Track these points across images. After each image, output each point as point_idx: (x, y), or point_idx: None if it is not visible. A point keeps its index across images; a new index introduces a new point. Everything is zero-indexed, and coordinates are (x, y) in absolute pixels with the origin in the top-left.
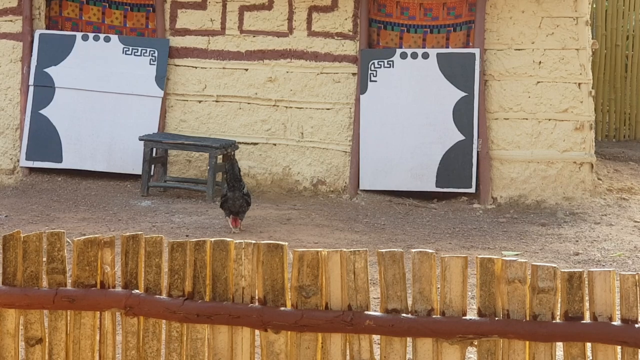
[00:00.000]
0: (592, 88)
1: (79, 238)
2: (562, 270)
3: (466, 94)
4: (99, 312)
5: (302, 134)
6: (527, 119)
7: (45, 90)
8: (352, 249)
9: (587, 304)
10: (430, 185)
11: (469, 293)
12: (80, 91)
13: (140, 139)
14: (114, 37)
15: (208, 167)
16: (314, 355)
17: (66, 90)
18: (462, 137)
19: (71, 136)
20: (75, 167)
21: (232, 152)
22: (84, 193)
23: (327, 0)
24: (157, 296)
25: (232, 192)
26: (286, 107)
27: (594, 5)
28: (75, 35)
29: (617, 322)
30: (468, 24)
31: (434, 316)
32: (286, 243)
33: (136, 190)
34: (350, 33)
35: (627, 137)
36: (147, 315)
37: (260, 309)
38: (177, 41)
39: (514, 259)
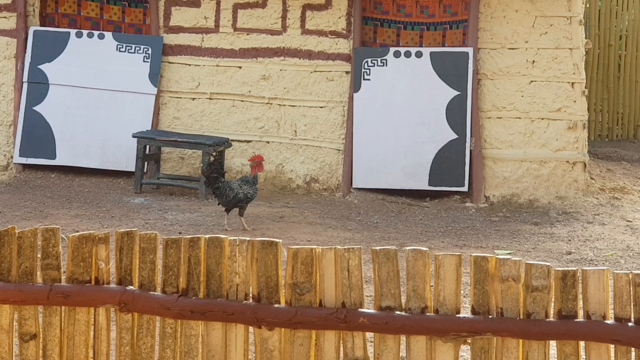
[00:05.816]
0: (585, 87)
1: (73, 234)
2: (556, 268)
3: (459, 92)
4: (93, 308)
5: (295, 132)
6: (520, 118)
7: (39, 87)
8: (346, 247)
9: (580, 303)
10: (423, 184)
11: (462, 291)
12: (74, 88)
13: (134, 136)
14: (108, 34)
15: (201, 165)
16: (307, 353)
17: (60, 87)
18: (455, 136)
19: (65, 133)
20: (69, 163)
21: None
22: (77, 190)
23: None
24: (152, 292)
25: (220, 198)
26: (279, 105)
27: (588, 5)
28: (69, 32)
29: (610, 321)
30: (464, 23)
31: (427, 314)
32: (280, 240)
33: (129, 187)
34: (344, 31)
35: (619, 137)
36: (142, 312)
37: (254, 305)
38: (170, 38)
39: (507, 257)
